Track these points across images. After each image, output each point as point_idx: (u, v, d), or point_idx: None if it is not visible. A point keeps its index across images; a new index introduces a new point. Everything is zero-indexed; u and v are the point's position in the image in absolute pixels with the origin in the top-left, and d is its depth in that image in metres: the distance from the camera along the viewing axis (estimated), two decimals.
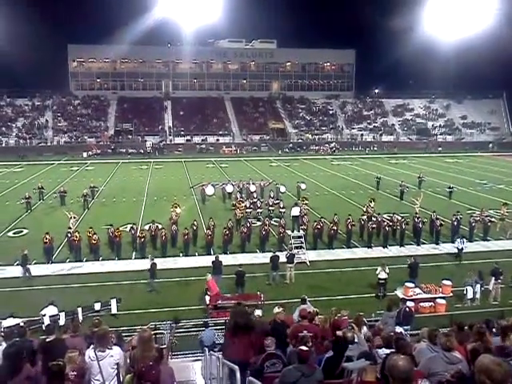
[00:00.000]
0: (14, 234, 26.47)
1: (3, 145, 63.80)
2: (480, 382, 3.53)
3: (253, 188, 32.96)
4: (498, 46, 65.12)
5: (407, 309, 13.73)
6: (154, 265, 18.87)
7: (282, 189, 33.71)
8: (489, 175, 46.48)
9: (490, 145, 71.68)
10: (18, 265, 19.52)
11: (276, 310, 9.46)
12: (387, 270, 18.33)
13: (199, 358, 11.87)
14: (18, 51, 61.87)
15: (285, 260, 19.94)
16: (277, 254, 20.41)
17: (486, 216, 26.48)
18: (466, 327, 7.61)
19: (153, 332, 11.24)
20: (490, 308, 16.90)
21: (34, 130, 67.63)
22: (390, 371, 3.80)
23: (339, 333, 7.15)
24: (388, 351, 6.44)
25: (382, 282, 18.20)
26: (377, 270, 18.54)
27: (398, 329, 10.79)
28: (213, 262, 18.94)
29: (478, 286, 17.72)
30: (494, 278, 18.02)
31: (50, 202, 34.03)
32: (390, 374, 3.79)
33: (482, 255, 22.55)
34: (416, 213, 26.91)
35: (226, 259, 21.66)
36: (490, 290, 18.08)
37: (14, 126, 67.94)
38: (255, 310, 10.56)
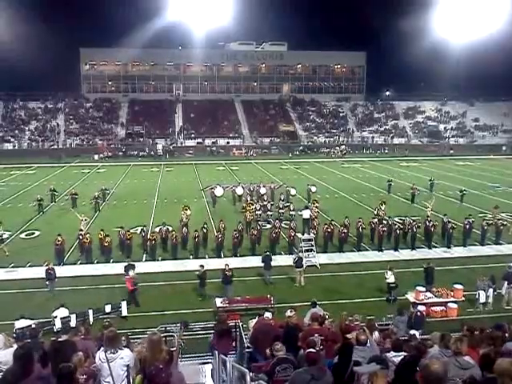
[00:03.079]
0: (26, 235, 26.70)
1: (16, 147, 64.42)
2: None
3: (263, 190, 32.93)
4: (510, 47, 64.58)
5: (419, 313, 13.64)
6: (129, 266, 18.86)
7: (293, 191, 33.67)
8: (501, 178, 46.01)
9: (504, 147, 70.95)
10: (47, 280, 18.80)
11: (288, 313, 9.43)
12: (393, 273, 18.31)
13: (209, 360, 11.86)
14: (30, 55, 62.43)
15: (293, 264, 19.82)
16: (268, 253, 20.35)
17: (499, 219, 26.22)
18: (476, 331, 7.53)
19: (163, 334, 11.25)
20: (503, 313, 16.71)
21: (46, 132, 68.26)
22: (423, 374, 3.72)
23: (350, 336, 7.11)
24: (400, 355, 6.39)
25: (393, 285, 18.09)
26: (386, 274, 18.45)
27: (412, 332, 10.72)
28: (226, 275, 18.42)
29: (491, 290, 17.51)
30: (506, 283, 17.80)
31: (61, 204, 34.31)
32: (422, 376, 3.71)
33: (494, 259, 22.31)
34: (427, 216, 26.70)
35: (237, 262, 21.74)
36: (503, 294, 17.87)
37: (26, 128, 68.61)
38: (265, 313, 10.54)
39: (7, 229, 26.38)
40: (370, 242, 24.91)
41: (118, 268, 21.07)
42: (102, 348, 6.09)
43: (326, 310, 12.13)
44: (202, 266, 18.50)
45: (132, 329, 14.05)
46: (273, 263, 20.26)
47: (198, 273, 18.43)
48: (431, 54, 75.18)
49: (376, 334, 9.49)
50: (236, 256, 22.81)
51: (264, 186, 33.90)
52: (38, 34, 62.98)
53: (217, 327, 10.70)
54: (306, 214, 26.26)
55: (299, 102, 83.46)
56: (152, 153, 64.35)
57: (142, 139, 68.86)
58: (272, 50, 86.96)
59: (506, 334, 7.58)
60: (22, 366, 5.36)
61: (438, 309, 16.97)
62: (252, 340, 9.26)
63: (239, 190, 34.00)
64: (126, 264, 19.18)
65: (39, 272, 19.83)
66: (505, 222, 26.29)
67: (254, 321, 11.66)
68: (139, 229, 24.86)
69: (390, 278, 18.22)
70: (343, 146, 69.41)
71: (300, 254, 20.57)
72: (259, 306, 16.49)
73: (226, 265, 18.52)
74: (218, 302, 17.11)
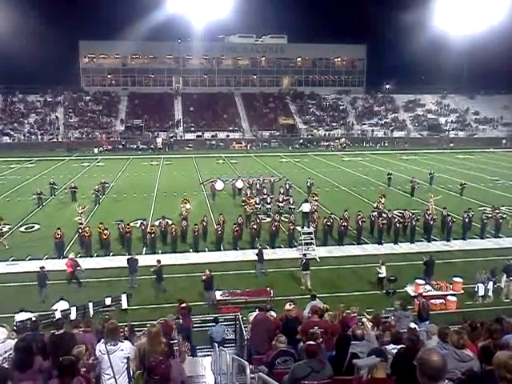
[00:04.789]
0: (25, 229, 26.70)
1: (15, 141, 64.31)
2: (501, 377, 3.52)
3: (240, 185, 33.69)
4: (510, 41, 64.36)
5: (425, 303, 13.76)
6: (130, 260, 18.91)
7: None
8: (501, 172, 45.99)
9: (504, 141, 70.83)
10: (39, 285, 17.61)
11: (287, 306, 9.46)
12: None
13: (209, 353, 11.92)
14: (29, 48, 62.29)
15: (300, 266, 19.18)
16: (261, 247, 20.31)
17: (498, 213, 26.23)
18: (478, 326, 7.54)
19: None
20: (502, 305, 16.76)
21: (45, 125, 68.13)
22: (420, 365, 3.67)
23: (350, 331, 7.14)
24: (397, 347, 6.41)
25: (393, 278, 18.13)
26: (379, 269, 18.48)
27: (412, 325, 10.75)
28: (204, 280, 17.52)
29: (491, 283, 17.56)
30: (505, 276, 17.86)
31: (61, 197, 34.30)
32: (419, 368, 3.66)
33: (493, 252, 22.36)
34: (427, 209, 26.71)
35: (236, 255, 21.76)
36: (502, 287, 17.93)
37: (25, 122, 68.43)
38: (270, 312, 10.50)
39: (7, 222, 26.38)
40: (369, 236, 24.94)
41: (117, 261, 21.12)
42: (102, 340, 6.11)
43: (326, 303, 12.16)
44: (158, 261, 18.49)
45: (132, 321, 14.08)
46: (271, 257, 20.34)
47: (153, 269, 18.38)
48: (431, 47, 74.95)
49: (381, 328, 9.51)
50: (236, 249, 22.85)
51: (263, 181, 33.89)
52: (37, 27, 62.89)
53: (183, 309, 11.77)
54: (306, 207, 26.26)
55: (299, 95, 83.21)
56: (152, 146, 64.22)
57: (140, 132, 68.62)
58: (272, 43, 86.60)
59: (505, 327, 7.59)
60: (22, 358, 5.39)
61: (437, 302, 17.03)
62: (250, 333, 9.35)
63: (239, 184, 34.00)
64: (129, 257, 19.21)
65: (39, 265, 19.93)
66: (504, 215, 26.33)
67: (254, 314, 11.71)
68: (139, 222, 24.88)
69: (384, 272, 18.27)
70: (343, 139, 69.30)
71: (308, 256, 20.02)
72: (259, 298, 16.55)
73: (206, 271, 17.54)
74: (218, 294, 17.17)
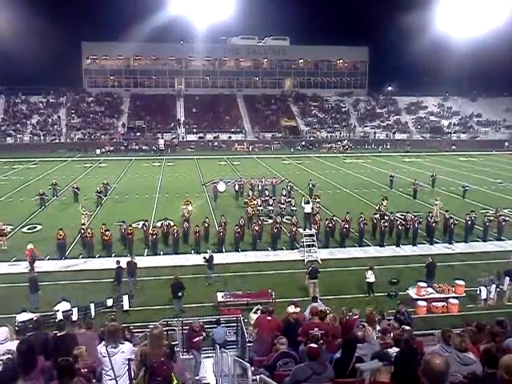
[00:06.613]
0: (28, 229, 26.72)
1: (18, 141, 64.42)
2: (501, 379, 3.52)
3: (237, 187, 33.86)
4: None
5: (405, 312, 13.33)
6: (129, 263, 18.82)
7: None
8: (503, 174, 45.89)
9: (506, 143, 70.68)
10: (30, 291, 17.05)
11: (290, 309, 9.42)
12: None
13: (210, 355, 11.91)
14: (32, 49, 62.45)
15: (306, 275, 18.47)
16: (212, 254, 19.81)
17: (501, 215, 26.17)
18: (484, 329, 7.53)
19: (164, 328, 11.28)
20: (504, 309, 16.69)
21: (47, 126, 68.24)
22: (423, 369, 3.64)
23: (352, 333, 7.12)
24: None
25: (395, 281, 18.02)
26: (366, 273, 18.17)
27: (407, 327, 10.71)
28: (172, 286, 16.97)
29: (494, 286, 17.49)
30: (508, 279, 17.80)
31: (63, 198, 34.34)
32: (423, 372, 3.65)
33: (496, 255, 22.29)
34: (430, 212, 26.66)
35: (238, 257, 21.76)
36: (505, 290, 17.86)
37: (28, 123, 68.56)
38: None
39: (9, 223, 26.40)
40: (371, 238, 24.90)
41: (119, 262, 21.06)
42: (103, 342, 6.09)
43: (327, 305, 12.13)
44: (118, 262, 18.47)
45: (133, 322, 14.09)
46: (273, 258, 20.29)
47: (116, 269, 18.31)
48: (434, 49, 74.96)
49: (378, 328, 9.48)
50: (237, 251, 22.82)
51: (265, 182, 33.92)
52: (40, 28, 62.85)
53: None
54: (308, 208, 26.21)
55: (301, 96, 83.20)
56: (154, 147, 64.25)
57: (141, 134, 68.58)
58: (274, 45, 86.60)
59: (508, 329, 7.57)
60: (26, 359, 5.37)
61: (439, 304, 16.99)
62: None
63: (236, 187, 34.05)
64: (128, 260, 19.15)
65: (41, 265, 20.06)
66: (507, 218, 26.25)
67: (255, 315, 11.67)
68: (141, 223, 24.88)
69: (371, 277, 18.10)
70: (345, 141, 69.26)
71: (311, 259, 19.64)
72: (260, 300, 16.52)
73: (174, 278, 17.14)
74: (220, 296, 17.14)
